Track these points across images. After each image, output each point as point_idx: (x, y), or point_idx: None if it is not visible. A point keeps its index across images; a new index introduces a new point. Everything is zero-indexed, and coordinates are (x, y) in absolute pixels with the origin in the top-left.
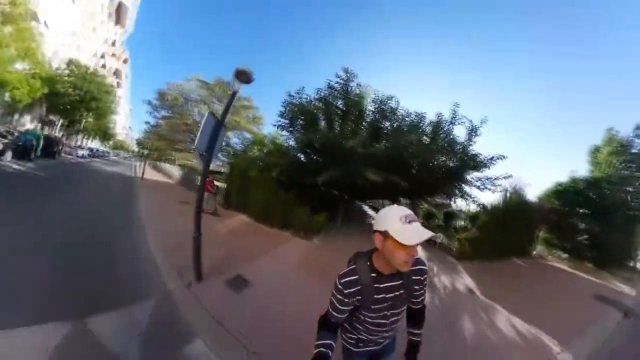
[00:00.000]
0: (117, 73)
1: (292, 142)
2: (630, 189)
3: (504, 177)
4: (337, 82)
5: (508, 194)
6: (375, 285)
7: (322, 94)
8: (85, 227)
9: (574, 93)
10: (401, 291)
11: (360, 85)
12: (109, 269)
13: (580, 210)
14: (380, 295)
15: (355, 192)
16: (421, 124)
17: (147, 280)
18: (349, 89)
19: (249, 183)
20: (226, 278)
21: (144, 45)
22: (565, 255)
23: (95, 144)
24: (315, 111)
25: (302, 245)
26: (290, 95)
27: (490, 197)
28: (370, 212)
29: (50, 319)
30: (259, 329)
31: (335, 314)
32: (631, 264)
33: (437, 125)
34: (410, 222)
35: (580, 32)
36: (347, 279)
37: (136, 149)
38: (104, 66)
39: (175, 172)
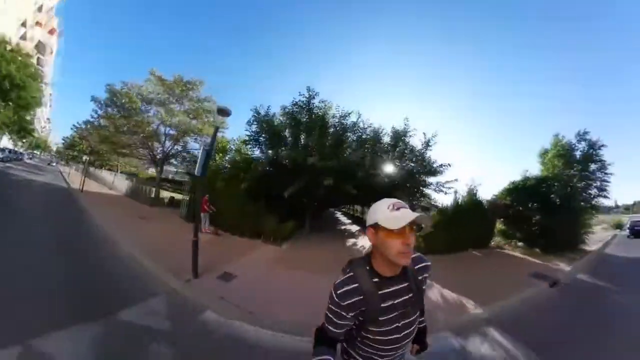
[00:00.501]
0: (39, 46)
1: (257, 153)
2: (571, 185)
3: (454, 180)
4: (300, 100)
5: (461, 195)
6: (380, 292)
7: (287, 110)
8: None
9: (529, 100)
10: (410, 294)
11: (323, 101)
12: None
13: (530, 204)
14: (388, 303)
15: (320, 200)
16: (380, 135)
17: (152, 282)
18: (312, 106)
19: (216, 195)
20: (216, 275)
21: (86, 18)
22: (521, 244)
23: (6, 142)
24: (281, 127)
25: (272, 249)
26: (257, 112)
27: (449, 199)
28: (342, 218)
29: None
30: (249, 299)
31: (332, 328)
32: (575, 248)
33: (396, 136)
34: (398, 208)
35: (534, 37)
36: (345, 289)
37: (62, 150)
38: (24, 37)
39: (120, 181)
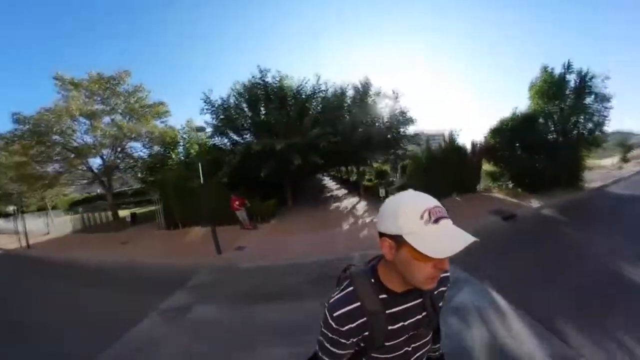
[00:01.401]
0: None
1: (219, 140)
2: (560, 121)
3: (417, 134)
4: (253, 77)
5: (442, 142)
6: (389, 312)
7: (239, 91)
8: None
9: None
10: (424, 313)
11: (280, 74)
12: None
13: (517, 144)
14: (397, 325)
15: (295, 175)
16: (345, 92)
17: (196, 264)
18: (266, 83)
19: (191, 196)
20: (232, 249)
21: None
22: (511, 185)
23: None
24: (238, 114)
25: (263, 228)
26: (207, 99)
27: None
28: (330, 183)
29: None
30: (259, 255)
31: (328, 359)
32: (570, 186)
33: (363, 89)
34: (437, 220)
35: None
36: (344, 310)
37: None
38: None
39: (61, 219)
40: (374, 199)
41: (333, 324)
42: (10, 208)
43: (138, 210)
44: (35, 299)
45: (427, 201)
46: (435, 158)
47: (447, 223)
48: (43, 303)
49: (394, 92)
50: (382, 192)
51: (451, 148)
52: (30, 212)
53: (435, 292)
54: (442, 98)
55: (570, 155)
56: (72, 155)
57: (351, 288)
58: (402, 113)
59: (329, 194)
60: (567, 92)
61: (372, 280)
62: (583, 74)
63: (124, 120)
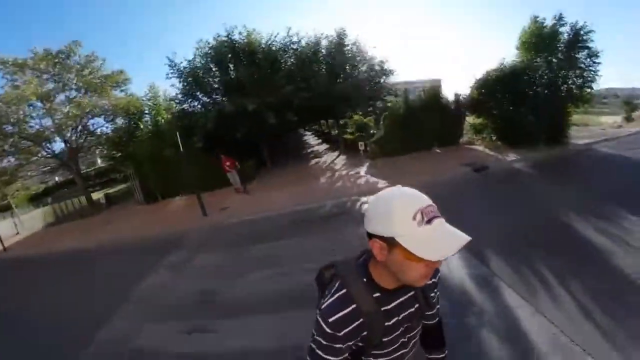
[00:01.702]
0: None
1: (187, 104)
2: (545, 76)
3: (396, 84)
4: (219, 36)
5: (422, 93)
6: (384, 309)
7: (206, 51)
8: None
9: None
10: (416, 305)
11: (246, 28)
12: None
13: (500, 96)
14: (393, 320)
15: (271, 134)
16: (319, 47)
17: (187, 224)
18: (233, 41)
19: (167, 166)
20: (217, 210)
21: None
22: (492, 139)
23: None
24: (205, 76)
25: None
26: (172, 64)
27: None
28: (311, 139)
29: None
30: (244, 212)
31: None
32: (555, 141)
33: (339, 43)
34: (430, 220)
35: None
36: (340, 315)
37: None
38: None
39: (28, 215)
40: (355, 153)
41: (328, 329)
42: None
43: (109, 190)
44: (52, 287)
45: (419, 200)
46: (414, 109)
47: (440, 222)
48: (59, 289)
49: (371, 42)
50: (361, 145)
51: (432, 99)
52: None
53: (427, 284)
54: (427, 46)
55: (556, 110)
56: (30, 144)
57: (344, 290)
58: (381, 63)
59: (309, 150)
60: (559, 45)
61: (365, 280)
62: (578, 27)
63: (81, 95)
